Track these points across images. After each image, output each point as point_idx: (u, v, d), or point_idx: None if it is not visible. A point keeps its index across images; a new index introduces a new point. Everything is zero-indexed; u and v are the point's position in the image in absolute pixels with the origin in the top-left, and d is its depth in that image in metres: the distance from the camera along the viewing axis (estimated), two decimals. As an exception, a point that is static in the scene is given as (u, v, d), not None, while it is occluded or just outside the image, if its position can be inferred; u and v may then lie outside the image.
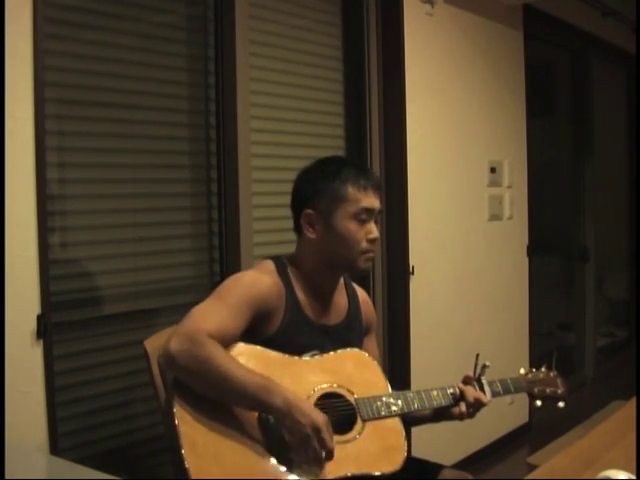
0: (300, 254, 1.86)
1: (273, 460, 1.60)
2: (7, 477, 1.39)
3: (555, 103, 5.40)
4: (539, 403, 1.95)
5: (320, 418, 1.57)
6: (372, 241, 1.81)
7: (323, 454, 1.58)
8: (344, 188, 1.78)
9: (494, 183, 3.78)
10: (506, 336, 3.90)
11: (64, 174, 2.22)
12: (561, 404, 1.95)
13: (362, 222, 1.79)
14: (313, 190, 1.81)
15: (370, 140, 3.22)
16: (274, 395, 1.57)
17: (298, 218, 1.84)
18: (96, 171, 2.31)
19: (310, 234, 1.81)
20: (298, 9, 2.94)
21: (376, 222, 1.83)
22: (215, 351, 1.58)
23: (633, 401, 1.99)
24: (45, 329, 1.98)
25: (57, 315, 2.09)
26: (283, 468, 1.59)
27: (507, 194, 3.88)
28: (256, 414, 1.63)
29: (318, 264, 1.83)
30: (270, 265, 1.82)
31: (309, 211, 1.81)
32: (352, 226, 1.78)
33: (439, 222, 3.43)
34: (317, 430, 1.56)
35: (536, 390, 1.95)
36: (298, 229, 1.86)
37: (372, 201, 1.81)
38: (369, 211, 1.80)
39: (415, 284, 3.24)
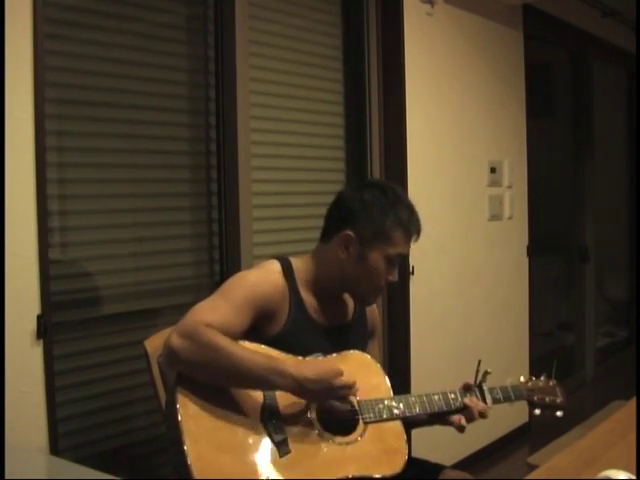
0: (318, 260, 1.85)
1: (275, 456, 1.60)
2: (7, 477, 1.39)
3: (555, 103, 5.40)
4: (538, 412, 1.95)
5: (328, 375, 1.62)
6: (390, 283, 1.84)
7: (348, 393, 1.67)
8: (393, 229, 1.78)
9: (494, 183, 3.78)
10: (506, 336, 3.90)
11: (64, 174, 2.22)
12: (559, 413, 1.96)
13: (390, 264, 1.80)
14: (363, 215, 1.78)
15: (370, 140, 3.22)
16: (280, 374, 1.59)
17: (334, 230, 1.81)
18: (96, 171, 2.31)
19: (341, 254, 1.80)
20: (298, 9, 2.94)
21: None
22: (216, 337, 1.59)
23: (633, 401, 1.99)
24: (45, 329, 1.98)
25: (57, 315, 2.09)
26: (286, 464, 1.59)
27: (507, 194, 3.88)
28: (259, 410, 1.63)
29: (332, 277, 1.83)
30: (275, 265, 1.82)
31: (350, 233, 1.78)
32: (382, 265, 1.79)
33: (439, 222, 3.42)
34: (331, 387, 1.61)
35: (536, 398, 1.95)
36: (326, 237, 1.84)
37: (408, 248, 1.83)
38: (401, 257, 1.82)
39: (415, 284, 3.24)
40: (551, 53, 5.10)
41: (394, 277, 1.83)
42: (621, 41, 5.11)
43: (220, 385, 1.62)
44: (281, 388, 1.62)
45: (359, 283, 1.82)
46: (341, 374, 1.64)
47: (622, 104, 5.75)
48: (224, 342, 1.59)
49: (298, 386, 1.60)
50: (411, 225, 1.81)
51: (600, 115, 5.20)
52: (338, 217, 1.83)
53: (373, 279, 1.80)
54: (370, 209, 1.78)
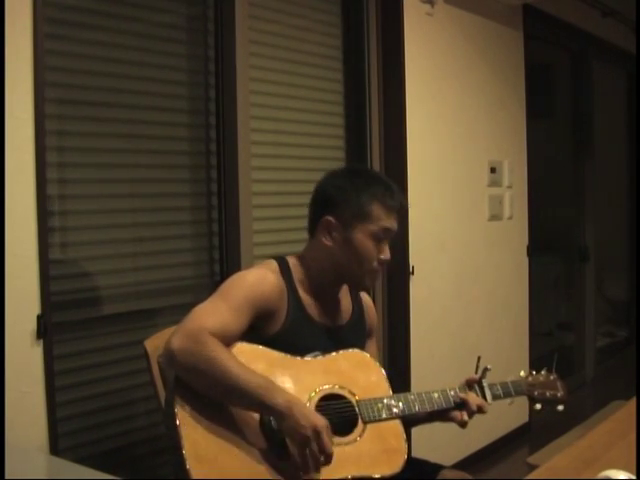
0: (309, 256, 1.86)
1: (274, 461, 1.59)
2: (7, 477, 1.39)
3: (555, 103, 5.40)
4: (539, 406, 1.95)
5: (320, 421, 1.57)
6: (383, 262, 1.81)
7: (322, 458, 1.57)
8: (370, 205, 1.78)
9: (494, 183, 3.78)
10: (506, 336, 3.90)
11: (64, 174, 2.22)
12: (560, 407, 1.95)
13: (378, 241, 1.79)
14: (339, 198, 1.79)
15: (370, 140, 3.22)
16: (276, 397, 1.57)
17: (316, 220, 1.83)
18: (96, 171, 2.31)
19: (326, 241, 1.80)
20: (298, 9, 2.94)
21: (389, 243, 1.83)
22: (217, 350, 1.58)
23: (633, 401, 1.99)
24: (45, 329, 1.98)
25: (57, 315, 2.09)
26: (285, 467, 1.59)
27: (507, 194, 3.88)
28: (257, 415, 1.63)
29: (326, 270, 1.83)
30: (273, 265, 1.82)
31: (330, 218, 1.79)
32: (368, 244, 1.78)
33: (439, 222, 3.43)
34: (317, 432, 1.55)
35: (536, 393, 1.95)
36: (312, 230, 1.85)
37: (393, 222, 1.81)
38: (388, 231, 1.80)
39: (415, 284, 3.24)
40: (551, 53, 5.10)
41: (386, 255, 1.81)
42: (621, 41, 5.11)
43: (212, 396, 1.60)
44: (271, 406, 1.56)
45: (351, 268, 1.80)
46: (329, 434, 1.57)
47: (622, 104, 5.75)
48: (224, 356, 1.58)
49: (288, 409, 1.56)
50: (388, 198, 1.79)
51: (600, 115, 5.20)
52: (317, 207, 1.84)
53: (364, 260, 1.79)
54: (345, 191, 1.79)
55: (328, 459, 1.58)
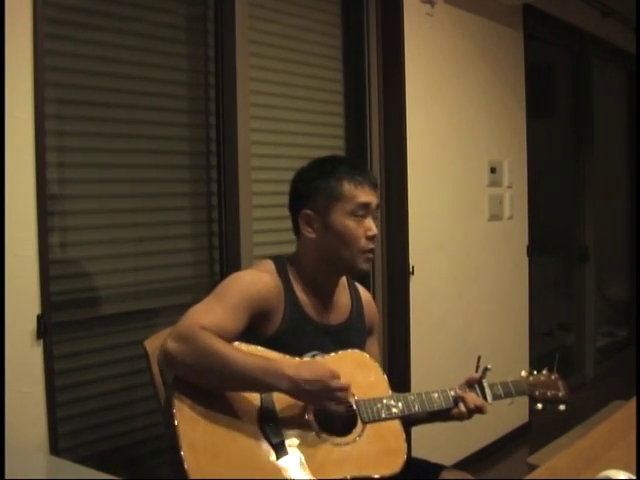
0: (300, 254, 1.86)
1: (273, 459, 1.59)
2: (7, 477, 1.39)
3: (555, 103, 5.40)
4: (540, 406, 1.94)
5: (325, 377, 1.61)
6: (371, 238, 1.79)
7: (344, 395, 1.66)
8: (340, 185, 1.78)
9: (494, 183, 3.78)
10: (506, 336, 3.90)
11: (64, 174, 2.22)
12: (562, 407, 1.95)
13: (360, 219, 1.78)
14: (309, 190, 1.81)
15: (370, 140, 3.22)
16: (277, 376, 1.59)
17: (296, 218, 1.84)
18: (96, 171, 2.31)
19: (309, 234, 1.81)
20: (298, 9, 2.94)
21: (375, 219, 1.82)
22: (211, 340, 1.58)
23: (633, 401, 1.99)
24: (45, 329, 1.98)
25: (57, 315, 2.09)
26: (284, 467, 1.59)
27: (507, 194, 3.88)
28: (256, 413, 1.63)
29: (318, 264, 1.83)
30: (269, 265, 1.82)
31: (307, 211, 1.81)
32: (350, 223, 1.77)
33: (439, 222, 3.42)
34: (328, 389, 1.60)
35: (537, 393, 1.95)
36: (297, 230, 1.86)
37: (368, 197, 1.80)
38: (366, 206, 1.79)
39: (415, 284, 3.24)
40: (551, 53, 5.10)
41: (372, 230, 1.79)
42: (621, 41, 5.11)
43: (216, 388, 1.61)
44: (277, 389, 1.61)
45: (340, 252, 1.79)
46: (338, 376, 1.63)
47: (622, 104, 5.75)
48: (219, 345, 1.58)
49: (295, 387, 1.59)
50: (355, 175, 1.80)
51: (600, 115, 5.20)
52: (293, 206, 1.86)
53: (350, 241, 1.78)
54: (313, 181, 1.82)
55: (347, 390, 1.65)
